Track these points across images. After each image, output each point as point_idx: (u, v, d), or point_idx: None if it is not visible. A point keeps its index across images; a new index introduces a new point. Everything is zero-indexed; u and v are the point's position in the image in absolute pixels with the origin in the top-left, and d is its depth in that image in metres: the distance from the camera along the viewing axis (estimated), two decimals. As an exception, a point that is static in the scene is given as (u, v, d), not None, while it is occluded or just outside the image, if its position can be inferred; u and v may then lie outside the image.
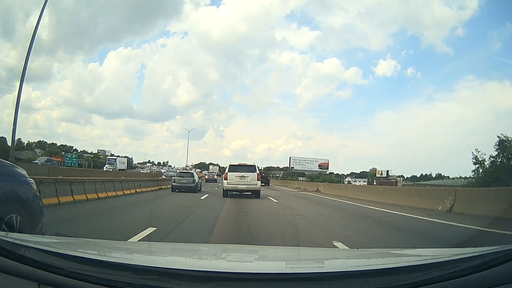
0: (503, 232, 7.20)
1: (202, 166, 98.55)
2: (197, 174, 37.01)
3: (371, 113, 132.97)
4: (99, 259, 1.58)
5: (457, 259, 1.60)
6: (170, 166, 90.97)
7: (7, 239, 1.57)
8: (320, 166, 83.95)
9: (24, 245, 1.47)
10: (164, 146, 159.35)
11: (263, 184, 33.48)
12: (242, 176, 15.97)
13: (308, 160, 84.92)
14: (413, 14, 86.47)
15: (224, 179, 16.59)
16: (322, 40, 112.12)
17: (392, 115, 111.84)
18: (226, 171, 16.65)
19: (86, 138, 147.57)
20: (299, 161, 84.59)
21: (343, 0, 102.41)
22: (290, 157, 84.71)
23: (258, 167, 17.67)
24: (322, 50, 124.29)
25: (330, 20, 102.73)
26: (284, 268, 1.99)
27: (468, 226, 8.26)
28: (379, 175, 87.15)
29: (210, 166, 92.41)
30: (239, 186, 16.03)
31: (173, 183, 19.55)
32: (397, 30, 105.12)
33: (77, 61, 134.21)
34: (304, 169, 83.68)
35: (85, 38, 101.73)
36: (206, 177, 46.76)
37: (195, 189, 19.02)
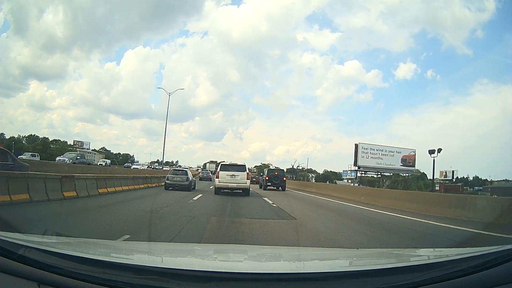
0: None
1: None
2: (195, 172, 35.47)
3: (388, 116, 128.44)
4: (99, 259, 1.58)
5: (457, 259, 1.60)
6: (180, 165, 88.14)
7: (7, 239, 1.57)
8: (403, 160, 52.92)
9: (24, 245, 1.46)
10: (182, 147, 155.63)
11: (274, 188, 24.78)
12: (232, 175, 16.83)
13: (385, 151, 52.09)
14: (433, 14, 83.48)
15: (216, 178, 17.44)
16: (343, 42, 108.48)
17: (409, 118, 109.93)
18: (218, 170, 17.59)
19: (103, 139, 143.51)
20: (371, 151, 51.92)
21: (365, 0, 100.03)
22: (357, 145, 51.68)
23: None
24: (343, 51, 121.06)
25: (352, 21, 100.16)
26: (284, 268, 1.99)
27: None
28: (443, 178, 64.75)
29: (207, 164, 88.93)
30: (229, 184, 16.81)
31: (166, 181, 19.53)
32: (418, 31, 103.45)
33: (93, 60, 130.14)
34: (379, 165, 52.03)
35: (102, 36, 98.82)
36: (201, 175, 45.14)
37: (188, 187, 18.80)
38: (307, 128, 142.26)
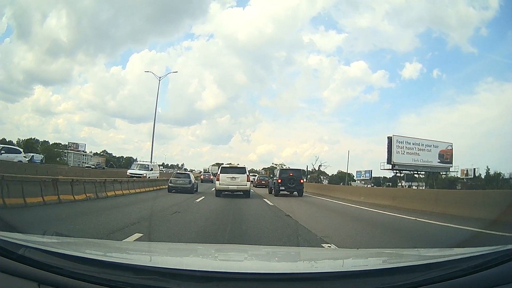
0: None
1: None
2: (197, 174, 35.24)
3: (395, 116, 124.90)
4: (99, 259, 1.58)
5: (457, 259, 1.60)
6: (186, 169, 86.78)
7: (7, 239, 1.57)
8: (441, 156, 44.70)
9: (24, 245, 1.46)
10: (190, 151, 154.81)
11: (288, 193, 20.24)
12: (233, 177, 17.11)
13: (422, 145, 44.00)
14: (438, 13, 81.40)
15: (217, 180, 17.65)
16: (349, 43, 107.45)
17: (415, 118, 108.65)
18: (218, 172, 17.82)
19: (110, 143, 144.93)
20: (407, 145, 43.28)
21: (370, 0, 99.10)
22: (390, 138, 42.97)
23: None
24: (349, 52, 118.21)
25: (357, 22, 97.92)
26: (284, 268, 1.99)
27: None
28: (463, 176, 56.82)
29: (210, 167, 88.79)
30: (230, 186, 17.05)
31: (169, 184, 19.82)
32: (424, 31, 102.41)
33: (98, 64, 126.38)
34: (415, 162, 43.44)
35: (106, 40, 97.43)
36: (202, 177, 45.76)
37: (191, 190, 19.21)
38: (314, 130, 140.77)
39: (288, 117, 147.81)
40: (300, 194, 20.34)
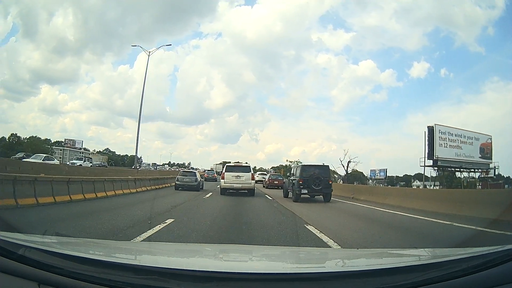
0: None
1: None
2: (202, 173, 35.46)
3: (403, 115, 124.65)
4: (99, 259, 1.58)
5: (457, 259, 1.60)
6: (192, 167, 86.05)
7: (7, 239, 1.57)
8: (481, 150, 38.32)
9: (24, 245, 1.46)
10: (198, 150, 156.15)
11: (309, 196, 15.36)
12: (237, 176, 17.18)
13: (463, 137, 37.32)
14: (446, 12, 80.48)
15: (222, 179, 17.76)
16: (357, 41, 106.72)
17: (422, 118, 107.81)
18: (223, 171, 17.97)
19: (117, 142, 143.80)
20: (449, 137, 36.35)
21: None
22: (432, 128, 35.89)
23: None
24: (357, 51, 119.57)
25: (365, 20, 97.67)
26: (284, 268, 1.98)
27: None
28: (485, 176, 49.90)
29: (215, 165, 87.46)
30: (235, 185, 17.12)
31: (176, 182, 20.34)
32: (431, 30, 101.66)
33: (106, 63, 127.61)
34: (458, 157, 36.57)
35: (114, 39, 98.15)
36: (206, 175, 46.00)
37: (197, 187, 19.70)
38: (322, 129, 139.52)
39: (297, 116, 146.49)
40: (328, 199, 15.35)
